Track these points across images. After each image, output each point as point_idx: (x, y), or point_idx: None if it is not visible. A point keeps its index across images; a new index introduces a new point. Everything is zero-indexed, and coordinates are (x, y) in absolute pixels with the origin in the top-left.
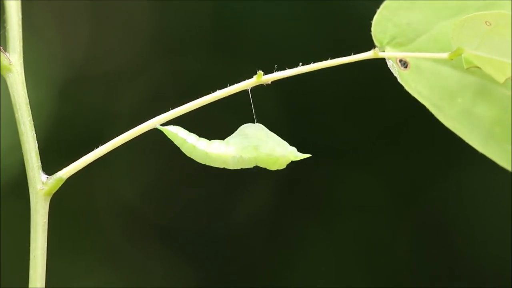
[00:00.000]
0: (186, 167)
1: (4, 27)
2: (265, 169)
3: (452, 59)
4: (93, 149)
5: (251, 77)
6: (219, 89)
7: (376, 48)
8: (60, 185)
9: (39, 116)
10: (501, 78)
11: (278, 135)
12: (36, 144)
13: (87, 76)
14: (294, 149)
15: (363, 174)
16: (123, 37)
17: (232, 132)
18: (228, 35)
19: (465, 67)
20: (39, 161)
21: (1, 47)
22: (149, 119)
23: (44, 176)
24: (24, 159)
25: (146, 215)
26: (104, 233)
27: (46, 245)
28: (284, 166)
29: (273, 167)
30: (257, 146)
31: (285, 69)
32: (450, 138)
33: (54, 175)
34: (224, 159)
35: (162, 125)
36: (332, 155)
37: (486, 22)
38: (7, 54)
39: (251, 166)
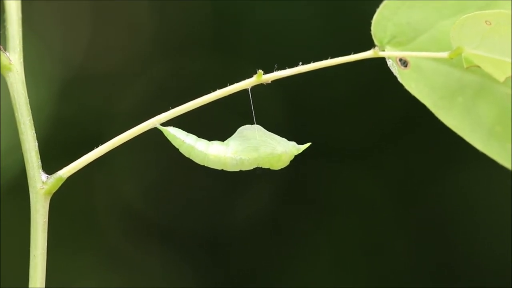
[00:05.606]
0: (186, 167)
1: (4, 26)
2: (264, 169)
3: (452, 58)
4: (93, 149)
5: (251, 76)
6: (219, 89)
7: (376, 48)
8: (60, 185)
9: (39, 116)
10: (501, 77)
11: (278, 135)
12: (36, 143)
13: (87, 76)
14: (294, 143)
15: (363, 174)
16: (123, 37)
17: (233, 132)
18: (228, 35)
19: (465, 66)
20: (39, 160)
21: (1, 47)
22: (149, 118)
23: (44, 176)
24: (24, 159)
25: (146, 215)
26: (104, 233)
27: (46, 245)
28: (288, 163)
29: (276, 166)
30: (257, 147)
31: (285, 69)
32: (450, 137)
33: (54, 174)
34: (223, 161)
35: (162, 125)
36: (332, 155)
37: (486, 21)
38: (7, 54)
39: (251, 168)
